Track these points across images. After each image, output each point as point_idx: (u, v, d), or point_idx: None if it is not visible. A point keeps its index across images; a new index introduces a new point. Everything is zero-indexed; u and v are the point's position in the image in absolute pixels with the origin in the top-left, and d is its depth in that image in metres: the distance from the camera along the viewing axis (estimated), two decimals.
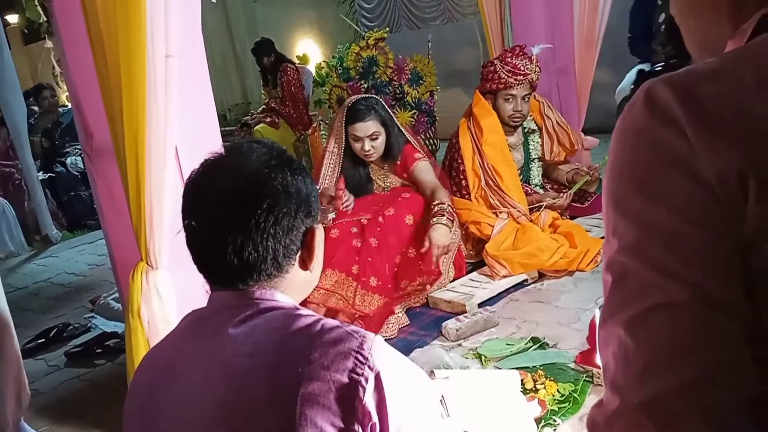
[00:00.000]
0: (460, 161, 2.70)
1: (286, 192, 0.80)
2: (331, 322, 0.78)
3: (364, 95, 2.65)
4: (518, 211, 2.56)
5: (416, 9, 6.51)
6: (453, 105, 5.13)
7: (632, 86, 3.79)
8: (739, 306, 0.51)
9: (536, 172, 2.88)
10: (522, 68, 2.59)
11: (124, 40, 1.44)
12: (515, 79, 2.60)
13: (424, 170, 2.54)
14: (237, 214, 0.78)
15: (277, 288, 0.83)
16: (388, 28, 5.23)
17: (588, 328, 1.82)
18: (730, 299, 0.51)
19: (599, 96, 3.91)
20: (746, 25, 0.69)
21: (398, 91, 4.81)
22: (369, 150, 2.47)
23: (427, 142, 5.05)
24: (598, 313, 1.71)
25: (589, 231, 2.66)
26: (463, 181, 2.68)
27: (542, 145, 2.89)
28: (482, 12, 3.26)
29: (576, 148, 2.94)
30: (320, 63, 5.90)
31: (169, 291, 1.62)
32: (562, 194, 2.73)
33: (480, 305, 2.27)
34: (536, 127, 2.89)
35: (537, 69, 2.64)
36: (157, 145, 1.51)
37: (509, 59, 2.62)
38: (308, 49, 6.68)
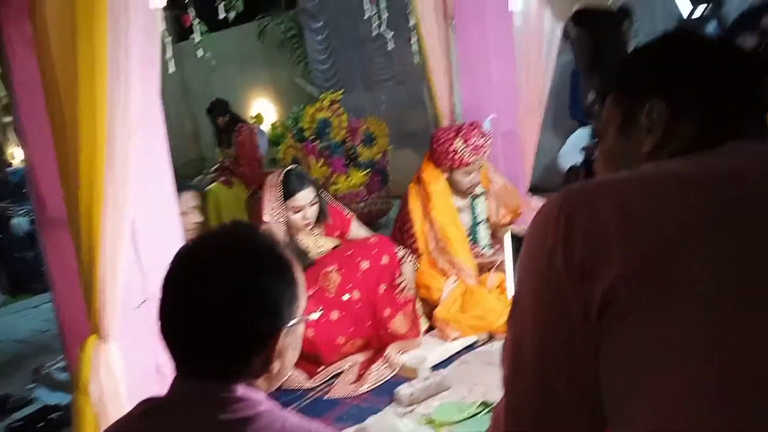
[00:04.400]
0: (409, 225, 2.79)
1: (259, 295, 0.82)
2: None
3: (291, 167, 2.68)
4: (467, 273, 2.64)
5: (369, 71, 6.73)
6: (404, 164, 5.29)
7: (582, 150, 3.99)
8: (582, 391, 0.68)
9: (484, 233, 2.99)
10: (482, 146, 2.72)
11: (84, 113, 1.47)
12: (476, 158, 2.71)
13: (358, 225, 2.75)
14: (208, 323, 0.81)
15: (247, 383, 0.84)
16: (343, 90, 5.40)
17: None
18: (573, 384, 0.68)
19: (543, 155, 4.08)
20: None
21: (352, 152, 4.94)
22: (310, 218, 2.53)
23: (380, 201, 5.18)
24: None
25: None
26: (414, 245, 2.75)
27: (488, 208, 3.00)
28: (430, 78, 3.40)
29: (520, 211, 3.07)
30: (275, 122, 6.02)
31: (120, 366, 1.60)
32: None
33: (432, 368, 2.31)
34: (482, 190, 3.00)
35: (490, 142, 2.77)
36: (114, 218, 1.53)
37: (471, 139, 2.72)
38: (263, 109, 6.78)
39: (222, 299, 0.80)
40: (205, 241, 0.90)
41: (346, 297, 2.44)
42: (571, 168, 1.61)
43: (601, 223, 0.64)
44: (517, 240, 1.18)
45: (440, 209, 2.75)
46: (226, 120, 5.32)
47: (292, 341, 0.87)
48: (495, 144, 3.38)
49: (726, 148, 0.72)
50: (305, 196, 2.51)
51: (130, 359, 1.62)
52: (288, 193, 2.50)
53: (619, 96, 0.87)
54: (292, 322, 0.85)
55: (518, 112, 3.41)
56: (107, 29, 1.48)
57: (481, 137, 2.74)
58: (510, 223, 3.09)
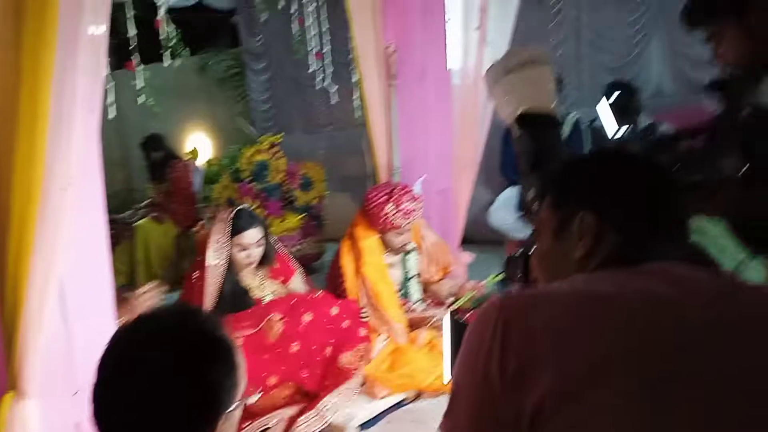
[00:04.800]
0: (342, 281, 2.83)
1: (198, 384, 0.83)
2: None
3: (242, 205, 2.73)
4: (397, 330, 2.68)
5: (309, 114, 6.79)
6: (340, 209, 5.34)
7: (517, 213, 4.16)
8: None
9: (415, 289, 3.05)
10: (413, 210, 2.81)
11: (21, 169, 1.44)
12: (406, 222, 2.80)
13: (301, 281, 2.80)
14: (143, 411, 0.81)
15: None
16: (282, 133, 5.42)
17: None
18: None
19: (473, 208, 4.21)
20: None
21: (289, 195, 4.94)
22: (254, 258, 2.57)
23: (314, 244, 5.17)
24: None
25: None
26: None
27: (420, 264, 3.08)
28: (370, 133, 3.48)
29: (450, 270, 3.16)
30: (211, 159, 5.96)
31: (36, 425, 1.54)
32: (442, 309, 2.89)
33: (360, 427, 2.31)
34: (414, 246, 3.07)
35: (421, 205, 2.85)
36: (42, 272, 1.49)
37: (402, 204, 2.79)
38: (199, 144, 6.69)
39: (159, 387, 0.80)
40: (144, 323, 0.89)
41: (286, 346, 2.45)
42: (510, 258, 1.72)
43: (534, 339, 0.71)
44: (456, 325, 1.24)
45: (371, 265, 2.79)
46: (160, 155, 5.22)
47: (229, 426, 0.88)
48: (429, 201, 3.48)
49: (648, 266, 0.81)
50: (253, 235, 2.55)
51: (48, 418, 1.56)
52: (236, 230, 2.53)
53: (556, 202, 0.95)
54: (230, 408, 0.86)
55: (452, 169, 3.54)
56: (53, 71, 1.45)
57: (412, 201, 2.82)
58: (441, 279, 3.17)
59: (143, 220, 5.02)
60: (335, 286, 2.87)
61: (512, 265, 1.42)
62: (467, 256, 3.60)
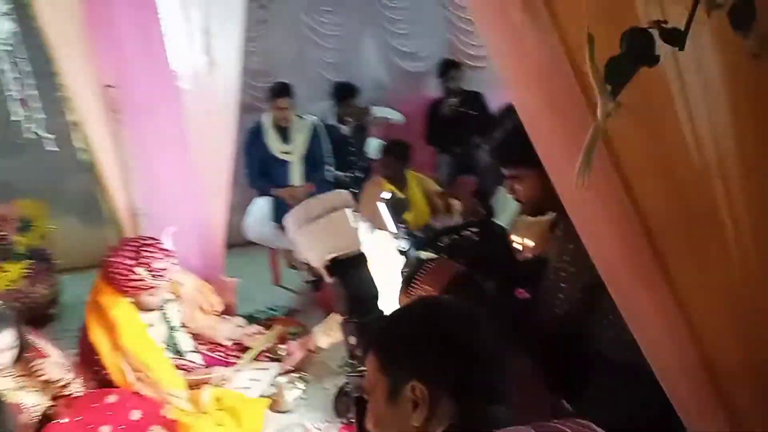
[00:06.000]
0: (97, 358, 2.50)
1: None
2: None
3: None
4: (177, 399, 2.49)
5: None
6: (69, 234, 4.79)
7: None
8: None
9: (184, 340, 2.86)
10: (166, 268, 2.57)
11: None
12: (161, 281, 2.56)
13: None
14: None
15: None
16: None
17: None
18: None
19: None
20: None
21: (5, 244, 4.21)
22: (7, 363, 2.22)
23: (47, 289, 4.53)
24: None
25: (248, 389, 2.76)
26: (108, 378, 2.50)
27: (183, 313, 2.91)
28: (100, 175, 3.11)
29: (217, 309, 3.05)
30: None
31: None
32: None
33: None
34: (172, 296, 2.87)
35: (174, 260, 2.65)
36: None
37: (153, 264, 2.54)
38: None
39: None
40: None
41: None
42: (339, 394, 1.75)
43: None
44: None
45: (129, 336, 2.50)
46: None
47: None
48: (183, 236, 3.27)
49: None
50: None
51: None
52: None
53: (383, 366, 0.96)
54: None
55: (203, 196, 3.36)
56: None
57: (165, 258, 2.59)
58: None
59: None
60: (90, 365, 2.53)
61: (340, 403, 1.43)
62: (231, 283, 3.50)
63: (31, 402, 2.29)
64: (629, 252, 0.94)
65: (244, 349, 3.02)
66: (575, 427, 0.86)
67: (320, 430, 2.41)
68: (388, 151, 4.20)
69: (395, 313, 1.04)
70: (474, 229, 1.98)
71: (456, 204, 3.89)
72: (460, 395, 0.88)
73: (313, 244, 1.31)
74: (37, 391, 2.32)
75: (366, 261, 1.33)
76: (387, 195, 3.66)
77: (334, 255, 1.28)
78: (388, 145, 4.33)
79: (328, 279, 1.28)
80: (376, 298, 1.31)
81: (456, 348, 0.91)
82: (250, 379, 2.84)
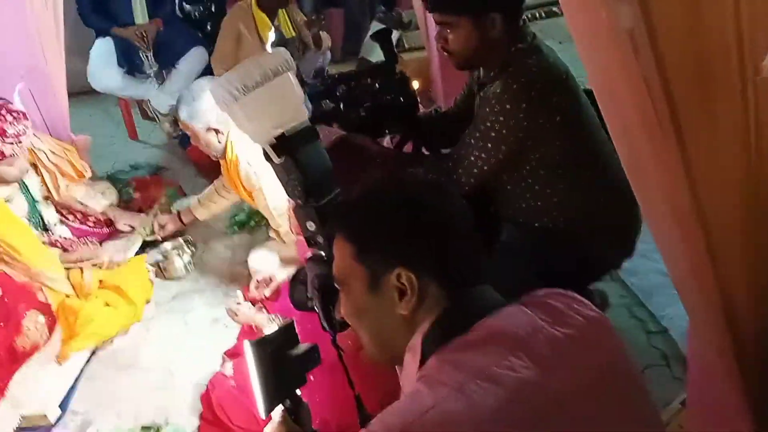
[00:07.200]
0: None
1: None
2: None
3: None
4: (56, 281, 2.20)
5: None
6: None
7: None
8: None
9: (50, 213, 2.50)
10: (21, 132, 2.14)
11: None
12: (19, 148, 2.14)
13: None
14: None
15: None
16: None
17: None
18: None
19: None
20: (413, 341, 0.84)
21: None
22: None
23: None
24: None
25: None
26: None
27: (45, 184, 2.51)
28: None
29: (85, 173, 2.68)
30: None
31: None
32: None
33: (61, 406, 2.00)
34: (27, 167, 2.43)
35: (28, 122, 2.20)
36: None
37: (7, 131, 2.10)
38: None
39: None
40: None
41: None
42: (293, 281, 1.42)
43: None
44: (257, 346, 1.06)
45: None
46: None
47: None
48: (21, 89, 2.74)
49: (477, 326, 0.80)
50: None
51: None
52: None
53: (358, 253, 0.86)
54: None
55: (38, 47, 2.78)
56: None
57: (18, 121, 2.16)
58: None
59: None
60: None
61: (297, 292, 1.28)
62: (82, 141, 3.04)
63: None
64: (646, 116, 0.91)
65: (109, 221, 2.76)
66: (562, 299, 0.86)
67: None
68: None
69: (361, 193, 0.92)
70: (372, 77, 1.84)
71: (326, 38, 3.56)
72: (446, 278, 0.83)
73: (253, 119, 1.07)
74: None
75: (317, 134, 1.15)
76: (273, 36, 3.30)
77: (281, 130, 1.07)
78: None
79: (276, 160, 1.08)
80: (331, 173, 1.15)
81: (435, 224, 0.84)
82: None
